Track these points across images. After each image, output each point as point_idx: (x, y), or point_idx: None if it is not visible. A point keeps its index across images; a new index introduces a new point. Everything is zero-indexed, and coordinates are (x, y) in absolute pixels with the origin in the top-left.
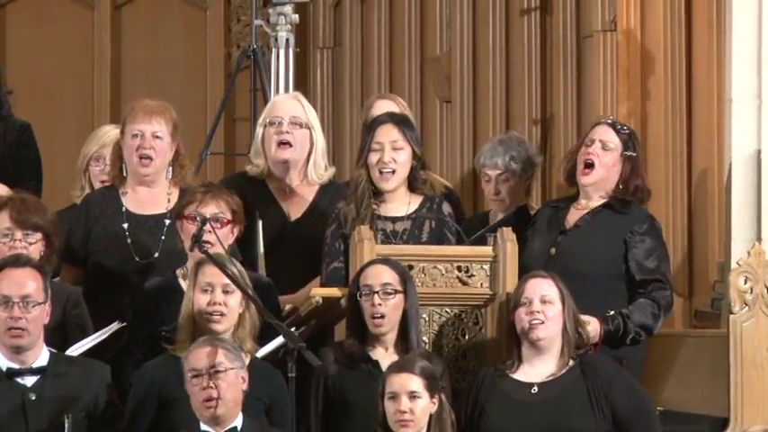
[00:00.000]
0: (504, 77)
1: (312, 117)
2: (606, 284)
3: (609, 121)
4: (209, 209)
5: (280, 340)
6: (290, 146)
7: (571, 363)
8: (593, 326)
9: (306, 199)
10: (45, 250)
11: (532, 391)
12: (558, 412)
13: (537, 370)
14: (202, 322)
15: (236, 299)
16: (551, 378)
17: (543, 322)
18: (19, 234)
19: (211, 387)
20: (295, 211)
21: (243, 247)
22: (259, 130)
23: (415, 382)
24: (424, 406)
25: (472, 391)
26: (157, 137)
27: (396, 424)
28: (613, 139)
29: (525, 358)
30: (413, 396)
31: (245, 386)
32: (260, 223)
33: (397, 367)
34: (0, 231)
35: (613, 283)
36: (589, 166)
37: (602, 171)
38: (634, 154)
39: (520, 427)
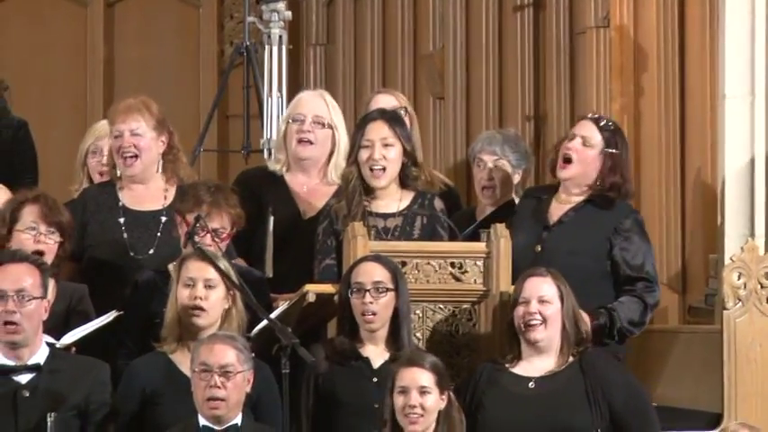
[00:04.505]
0: (497, 74)
1: (336, 117)
2: (591, 282)
3: (593, 117)
4: (213, 224)
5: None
6: (311, 144)
7: (570, 359)
8: (585, 321)
9: (323, 198)
10: (59, 251)
11: (530, 385)
12: (554, 407)
13: (536, 366)
14: (185, 317)
15: (217, 294)
16: (549, 373)
17: (541, 323)
18: (43, 228)
19: (218, 387)
20: (310, 209)
21: (252, 241)
22: (282, 126)
23: (425, 378)
24: (434, 402)
25: (470, 384)
26: (136, 134)
27: (404, 419)
28: (595, 136)
29: (524, 355)
30: (423, 391)
31: (248, 388)
32: (271, 220)
33: (407, 361)
34: (24, 223)
35: (598, 280)
36: (567, 160)
37: (580, 167)
38: (615, 151)
39: (517, 421)
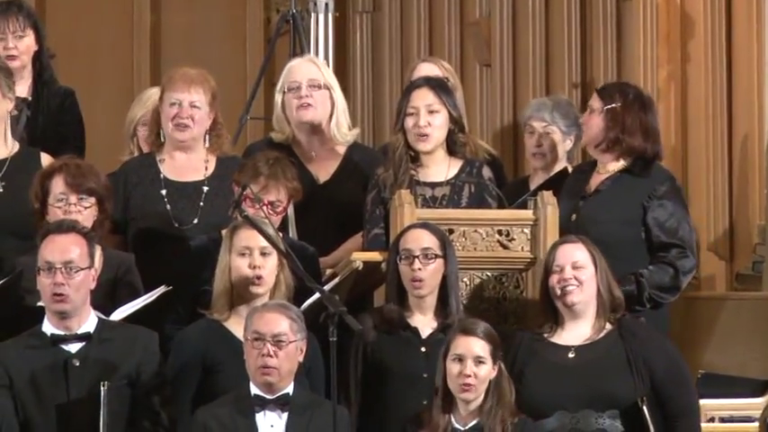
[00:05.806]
0: (543, 41)
1: (329, 77)
2: (626, 249)
3: (597, 88)
4: (270, 196)
5: (318, 295)
6: (312, 107)
7: (609, 326)
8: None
9: (333, 162)
10: (98, 215)
11: (570, 354)
12: (596, 376)
13: (573, 334)
14: (241, 287)
15: (273, 261)
16: (589, 342)
17: (577, 286)
18: (73, 198)
19: (271, 356)
20: (323, 174)
21: None
22: (278, 98)
23: (481, 347)
24: (487, 372)
25: (509, 354)
26: (195, 106)
27: (458, 387)
28: (594, 102)
29: (561, 322)
30: (478, 361)
31: (301, 357)
32: None
33: (463, 330)
34: (54, 196)
35: (633, 247)
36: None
37: (589, 133)
38: (614, 105)
39: (558, 391)
